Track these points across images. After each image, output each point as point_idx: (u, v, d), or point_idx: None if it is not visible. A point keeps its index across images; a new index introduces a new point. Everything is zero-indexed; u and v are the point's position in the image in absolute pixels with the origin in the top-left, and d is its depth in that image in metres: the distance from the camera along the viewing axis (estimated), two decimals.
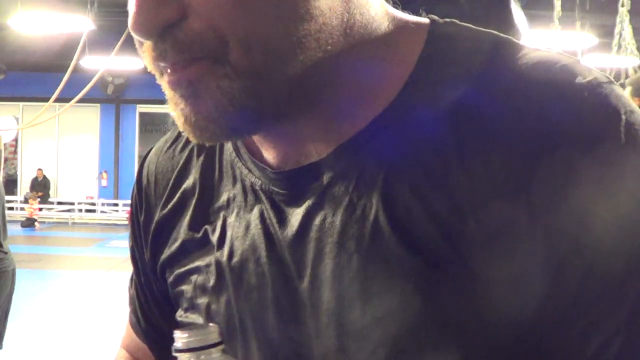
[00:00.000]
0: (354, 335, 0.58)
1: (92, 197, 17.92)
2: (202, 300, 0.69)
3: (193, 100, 0.56)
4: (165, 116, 17.79)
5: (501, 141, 0.55)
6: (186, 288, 0.71)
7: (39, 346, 5.89)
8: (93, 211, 17.49)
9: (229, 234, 0.67)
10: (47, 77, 14.18)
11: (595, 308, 0.53)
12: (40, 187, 17.35)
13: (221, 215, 0.69)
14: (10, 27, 7.90)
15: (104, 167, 18.04)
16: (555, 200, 0.53)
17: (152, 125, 18.17)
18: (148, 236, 0.76)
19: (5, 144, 15.72)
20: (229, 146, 0.70)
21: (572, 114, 0.54)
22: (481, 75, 0.58)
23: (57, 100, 7.63)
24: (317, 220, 0.61)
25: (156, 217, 0.75)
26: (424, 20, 0.63)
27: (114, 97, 17.87)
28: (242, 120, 0.56)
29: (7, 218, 4.32)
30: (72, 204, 17.56)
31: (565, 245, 0.53)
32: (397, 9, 0.64)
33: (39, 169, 17.52)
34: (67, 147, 18.21)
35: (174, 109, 0.58)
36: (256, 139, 0.65)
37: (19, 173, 18.42)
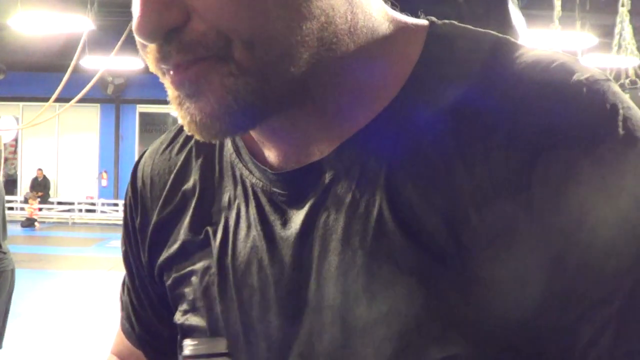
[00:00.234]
0: (359, 331, 0.58)
1: (92, 197, 17.93)
2: (204, 303, 0.68)
3: (197, 98, 0.56)
4: (165, 116, 17.81)
5: (501, 140, 0.55)
6: (187, 290, 0.70)
7: (39, 346, 5.89)
8: (93, 211, 17.50)
9: (230, 235, 0.67)
10: (47, 77, 14.20)
11: (595, 305, 0.53)
12: (40, 187, 17.35)
13: (222, 216, 0.68)
14: (10, 27, 7.90)
15: (104, 167, 18.06)
16: (555, 199, 0.53)
17: (152, 125, 18.18)
18: (145, 239, 0.75)
19: (5, 144, 15.72)
20: (228, 147, 0.70)
21: (571, 112, 0.54)
22: (481, 75, 0.58)
23: (57, 100, 7.63)
24: (321, 219, 0.61)
25: (153, 219, 0.74)
26: (423, 21, 0.64)
27: (114, 97, 17.88)
28: (245, 116, 0.57)
29: (7, 218, 4.33)
30: (72, 204, 17.57)
31: (565, 244, 0.53)
32: (396, 10, 0.64)
33: (39, 169, 17.52)
34: (67, 147, 18.22)
35: (178, 108, 0.58)
36: (257, 138, 0.66)
37: (19, 173, 18.42)
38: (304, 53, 0.56)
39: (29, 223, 15.71)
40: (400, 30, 0.62)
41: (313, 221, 0.61)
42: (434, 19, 0.64)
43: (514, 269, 0.54)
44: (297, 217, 0.62)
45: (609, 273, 0.53)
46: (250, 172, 0.67)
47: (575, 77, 0.56)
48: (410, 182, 0.57)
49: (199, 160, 0.72)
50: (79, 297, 7.88)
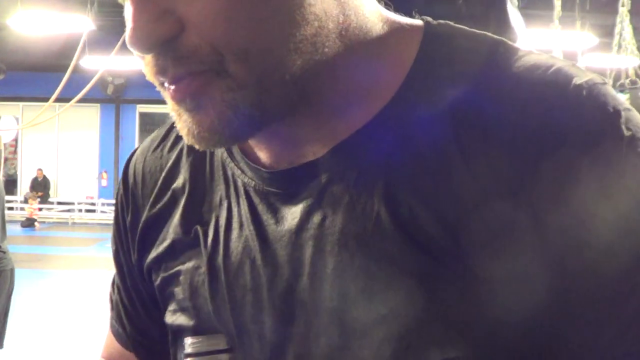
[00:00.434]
0: (358, 332, 0.58)
1: (92, 197, 17.92)
2: (194, 302, 0.68)
3: (197, 112, 0.56)
4: (165, 116, 17.50)
5: (502, 142, 0.55)
6: (176, 290, 0.70)
7: (39, 346, 5.89)
8: (93, 211, 17.50)
9: (222, 235, 0.66)
10: (47, 77, 14.17)
11: (595, 305, 0.53)
12: (40, 187, 17.35)
13: (213, 215, 0.68)
14: (10, 27, 7.90)
15: (104, 167, 18.05)
16: (557, 200, 0.53)
17: (152, 125, 18.15)
18: (135, 237, 0.75)
19: (5, 144, 15.71)
20: None
21: (572, 115, 0.55)
22: (480, 77, 0.58)
23: (57, 100, 7.63)
24: (316, 219, 0.60)
25: (144, 217, 0.74)
26: (418, 22, 0.64)
27: (114, 97, 17.87)
28: (244, 128, 0.57)
29: (7, 218, 4.33)
30: (72, 204, 17.57)
31: (566, 244, 0.53)
32: (389, 10, 0.64)
33: (39, 169, 17.52)
34: (67, 147, 18.21)
35: (177, 120, 0.58)
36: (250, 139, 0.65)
37: (19, 173, 18.42)
38: (298, 60, 0.55)
39: (28, 223, 15.71)
40: (395, 30, 0.62)
41: (308, 221, 0.61)
42: (428, 19, 0.64)
43: (514, 270, 0.54)
44: (291, 217, 0.62)
45: (609, 274, 0.53)
46: (242, 171, 0.66)
47: (574, 81, 0.56)
48: (409, 183, 0.57)
49: (190, 159, 0.72)
50: (79, 297, 7.88)
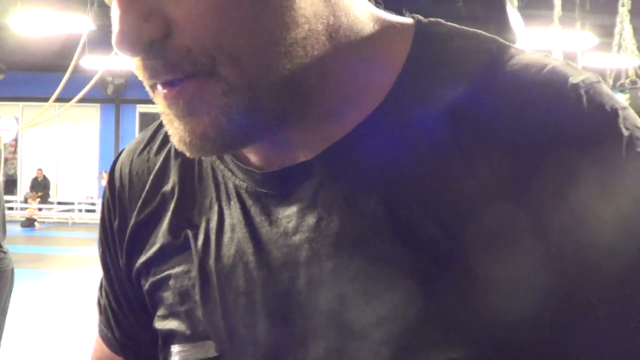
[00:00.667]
0: (356, 334, 0.57)
1: (92, 197, 17.91)
2: (184, 307, 0.67)
3: (189, 119, 0.55)
4: None
5: (502, 142, 0.55)
6: (166, 295, 0.69)
7: (39, 346, 5.89)
8: (93, 211, 17.48)
9: (212, 238, 0.65)
10: (47, 77, 14.18)
11: (595, 306, 0.53)
12: (40, 187, 17.34)
13: (203, 219, 0.67)
14: (10, 26, 7.89)
15: (104, 167, 18.02)
16: (557, 201, 0.53)
17: None
18: (123, 241, 0.74)
19: (5, 144, 15.71)
20: None
21: (570, 114, 0.55)
22: (475, 76, 0.58)
23: (57, 100, 7.63)
24: (311, 221, 0.60)
25: (132, 222, 0.72)
26: (409, 20, 0.63)
27: (114, 97, 17.87)
28: (236, 136, 0.56)
29: (7, 218, 4.32)
30: (72, 204, 17.56)
31: (565, 245, 0.53)
32: (379, 8, 0.63)
33: (39, 169, 17.51)
34: (67, 147, 18.21)
35: (168, 126, 0.58)
36: None
37: (18, 173, 18.41)
38: (288, 64, 0.55)
39: (28, 223, 15.70)
40: (386, 29, 0.62)
41: (303, 222, 0.60)
42: (419, 16, 0.63)
43: (514, 270, 0.54)
44: (286, 219, 0.61)
45: (609, 274, 0.53)
46: (233, 173, 0.65)
47: (571, 80, 0.56)
48: (408, 183, 0.57)
49: (178, 162, 0.70)
50: (79, 297, 7.88)
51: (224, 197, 0.66)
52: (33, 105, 15.43)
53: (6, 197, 4.46)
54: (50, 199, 17.57)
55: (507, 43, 0.61)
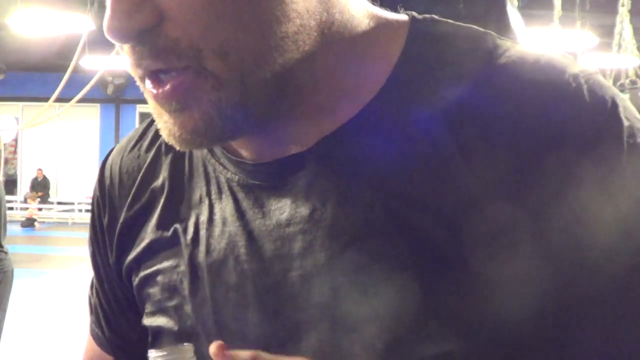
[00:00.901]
0: (349, 327, 0.57)
1: (92, 197, 17.88)
2: (172, 303, 0.66)
3: (180, 114, 0.56)
4: None
5: (503, 140, 0.55)
6: (153, 290, 0.68)
7: (39, 346, 5.89)
8: None
9: (202, 232, 0.65)
10: (47, 77, 14.19)
11: (594, 304, 0.53)
12: (40, 187, 17.35)
13: (193, 213, 0.67)
14: (10, 26, 7.89)
15: None
16: (557, 198, 0.53)
17: None
18: (113, 239, 0.73)
19: (5, 144, 15.71)
20: None
21: (569, 111, 0.55)
22: (472, 71, 0.58)
23: (57, 100, 7.64)
24: (305, 212, 0.60)
25: (121, 218, 0.72)
26: (403, 17, 0.63)
27: (114, 97, 17.87)
28: (226, 129, 0.56)
29: (7, 218, 4.32)
30: (72, 204, 17.56)
31: (563, 243, 0.53)
32: (375, 4, 0.63)
33: (39, 169, 17.51)
34: (67, 147, 18.21)
35: (158, 120, 0.58)
36: None
37: (19, 173, 18.42)
38: (279, 58, 0.55)
39: (28, 223, 15.71)
40: (381, 26, 0.62)
41: (296, 214, 0.60)
42: (414, 13, 0.63)
43: (513, 268, 0.54)
44: (279, 210, 0.61)
45: (608, 273, 0.53)
46: (224, 167, 0.65)
47: (567, 72, 0.56)
48: (404, 179, 0.57)
49: (169, 157, 0.70)
50: (79, 297, 7.88)
51: (214, 191, 0.66)
52: (33, 105, 15.42)
53: (6, 197, 4.46)
54: (50, 199, 17.58)
55: (501, 37, 0.61)
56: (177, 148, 0.58)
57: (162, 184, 0.70)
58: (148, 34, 0.54)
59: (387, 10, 0.64)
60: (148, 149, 0.73)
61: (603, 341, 0.54)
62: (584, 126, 0.54)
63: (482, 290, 0.54)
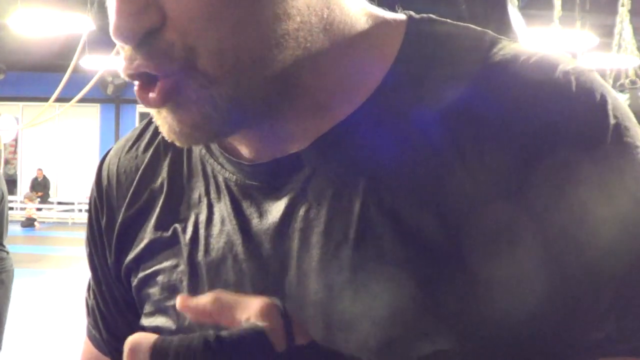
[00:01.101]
0: (343, 325, 0.57)
1: None
2: (172, 302, 0.65)
3: (177, 109, 0.56)
4: None
5: (500, 140, 0.55)
6: (153, 291, 0.68)
7: (39, 346, 5.89)
8: None
9: (201, 232, 0.65)
10: (47, 77, 14.19)
11: (593, 304, 0.53)
12: (40, 187, 17.35)
13: (192, 213, 0.67)
14: (10, 26, 7.89)
15: None
16: (554, 198, 0.54)
17: None
18: (111, 239, 0.73)
19: (5, 144, 15.72)
20: None
21: (565, 109, 0.55)
22: (467, 71, 0.58)
23: (57, 100, 7.64)
24: (301, 211, 0.60)
25: (120, 219, 0.72)
26: (401, 16, 0.63)
27: (114, 97, 17.88)
28: (226, 123, 0.57)
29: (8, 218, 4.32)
30: (72, 204, 17.57)
31: (563, 243, 0.53)
32: (372, 4, 0.63)
33: (39, 169, 17.52)
34: (67, 147, 18.21)
35: (156, 117, 0.58)
36: None
37: (19, 173, 18.42)
38: (279, 54, 0.55)
39: (28, 223, 15.71)
40: (379, 25, 0.62)
41: (292, 213, 0.60)
42: (412, 13, 0.63)
43: (512, 268, 0.54)
44: (275, 210, 0.61)
45: (608, 273, 0.53)
46: (222, 166, 0.65)
47: (559, 69, 0.56)
48: (400, 177, 0.57)
49: (167, 158, 0.71)
50: (79, 297, 7.88)
51: (213, 190, 0.66)
52: (33, 105, 15.44)
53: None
54: (50, 199, 17.58)
55: (497, 36, 0.61)
56: (178, 144, 0.58)
57: (161, 184, 0.70)
58: (151, 35, 0.54)
59: (385, 10, 0.64)
60: (146, 150, 0.73)
61: (603, 341, 0.53)
62: (571, 123, 0.54)
63: (480, 289, 0.54)
